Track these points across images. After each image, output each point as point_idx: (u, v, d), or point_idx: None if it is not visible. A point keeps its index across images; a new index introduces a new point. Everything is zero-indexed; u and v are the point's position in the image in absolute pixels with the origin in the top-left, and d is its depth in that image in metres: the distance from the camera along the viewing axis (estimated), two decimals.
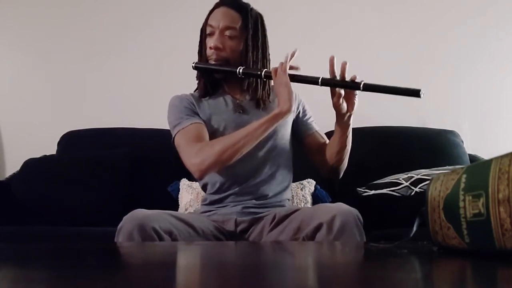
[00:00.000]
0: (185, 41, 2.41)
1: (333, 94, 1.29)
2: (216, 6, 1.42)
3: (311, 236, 1.12)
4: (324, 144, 1.47)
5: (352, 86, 1.26)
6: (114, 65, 2.50)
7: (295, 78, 1.31)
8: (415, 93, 1.19)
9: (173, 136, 1.40)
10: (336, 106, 1.30)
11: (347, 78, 1.25)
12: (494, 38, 2.48)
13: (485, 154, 2.11)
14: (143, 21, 2.53)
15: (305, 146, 1.50)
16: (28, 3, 2.56)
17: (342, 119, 1.33)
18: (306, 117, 1.51)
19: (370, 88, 1.23)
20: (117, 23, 2.53)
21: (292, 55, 1.33)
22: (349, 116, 1.33)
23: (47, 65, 2.52)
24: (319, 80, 1.27)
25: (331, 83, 1.28)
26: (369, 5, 2.51)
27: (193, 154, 1.30)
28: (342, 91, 1.28)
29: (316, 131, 1.51)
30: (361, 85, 1.23)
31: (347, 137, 1.37)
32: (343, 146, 1.38)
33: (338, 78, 1.26)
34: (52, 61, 2.52)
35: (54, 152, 2.19)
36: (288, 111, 1.29)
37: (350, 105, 1.31)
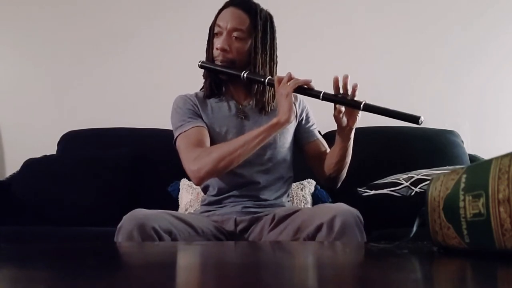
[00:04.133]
0: (185, 41, 2.43)
1: (334, 108, 1.30)
2: (225, 6, 1.42)
3: (312, 237, 1.12)
4: (325, 152, 1.47)
5: (352, 104, 1.25)
6: (114, 65, 2.50)
7: (297, 90, 1.30)
8: (415, 119, 1.18)
9: (174, 137, 1.40)
10: (337, 120, 1.31)
11: (350, 90, 1.24)
12: (494, 38, 2.48)
13: (485, 154, 2.11)
14: (143, 20, 2.53)
15: (305, 153, 1.50)
16: (28, 3, 2.56)
17: (342, 132, 1.33)
18: (309, 124, 1.51)
19: (371, 109, 1.23)
20: (117, 22, 2.53)
21: (308, 82, 1.30)
22: (350, 130, 1.33)
23: (47, 65, 2.52)
24: (321, 95, 1.27)
25: (333, 99, 1.27)
26: (369, 6, 2.51)
27: (191, 161, 1.30)
28: (343, 108, 1.28)
29: (317, 138, 1.50)
30: (362, 105, 1.23)
31: (347, 149, 1.37)
32: (343, 157, 1.38)
33: (340, 93, 1.26)
34: (52, 61, 2.52)
35: (54, 152, 2.19)
36: (286, 122, 1.29)
37: (352, 120, 1.30)
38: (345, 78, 1.24)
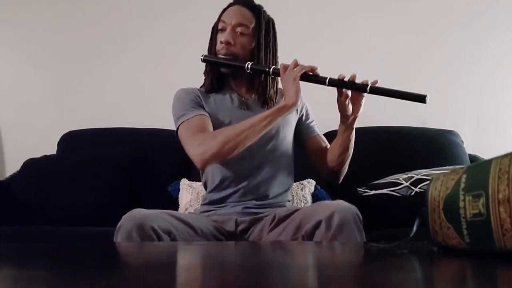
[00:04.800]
0: (185, 41, 2.43)
1: (340, 94, 1.29)
2: (230, 4, 1.43)
3: (310, 234, 1.12)
4: (326, 148, 1.47)
5: (358, 87, 1.26)
6: (114, 65, 2.50)
7: (303, 77, 1.30)
8: (421, 98, 1.18)
9: (176, 127, 1.39)
10: (342, 108, 1.30)
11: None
12: (494, 38, 2.48)
13: (485, 154, 2.11)
14: (143, 21, 2.53)
15: (306, 149, 1.50)
16: (28, 3, 2.56)
17: (346, 121, 1.33)
18: (309, 121, 1.51)
19: (377, 91, 1.23)
20: (117, 22, 2.53)
21: (315, 68, 1.30)
22: (354, 119, 1.33)
23: (47, 65, 2.52)
24: (327, 80, 1.27)
25: (338, 84, 1.27)
26: (369, 6, 2.51)
27: (195, 145, 1.30)
28: (349, 92, 1.28)
29: (318, 134, 1.51)
30: (368, 88, 1.23)
31: (350, 140, 1.37)
32: (345, 149, 1.38)
33: (346, 80, 1.26)
34: (52, 60, 2.52)
35: (54, 152, 2.19)
36: (294, 105, 1.28)
37: (356, 107, 1.30)
38: (353, 75, 1.26)
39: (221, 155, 1.28)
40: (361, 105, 1.30)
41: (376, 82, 1.25)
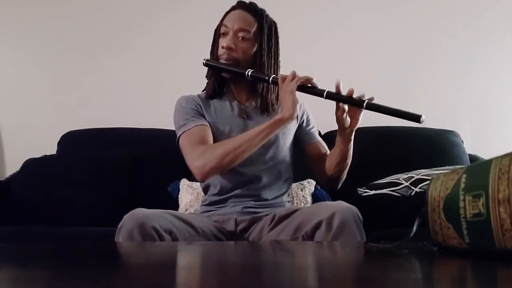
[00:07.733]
0: (186, 41, 2.43)
1: (337, 108, 1.31)
2: (233, 8, 1.44)
3: (311, 234, 1.13)
4: (325, 154, 1.48)
5: (355, 103, 1.27)
6: (114, 65, 2.50)
7: (301, 88, 1.31)
8: (416, 118, 1.20)
9: (177, 136, 1.40)
10: (339, 120, 1.32)
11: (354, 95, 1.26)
12: (494, 39, 2.48)
13: (485, 154, 2.11)
14: (144, 21, 2.53)
15: (306, 155, 1.51)
16: (28, 3, 2.56)
17: (344, 133, 1.34)
18: (310, 127, 1.52)
19: (373, 107, 1.25)
20: (117, 22, 2.53)
21: (310, 79, 1.31)
22: (351, 132, 1.34)
23: (47, 65, 2.52)
24: (324, 93, 1.28)
25: (336, 97, 1.29)
26: (370, 6, 2.51)
27: (195, 157, 1.31)
28: (346, 107, 1.30)
29: (317, 141, 1.52)
30: (365, 104, 1.25)
31: (348, 150, 1.38)
32: (343, 158, 1.39)
33: (343, 93, 1.27)
34: (52, 60, 2.52)
35: (54, 152, 2.19)
36: (290, 117, 1.30)
37: (354, 121, 1.31)
38: (351, 89, 1.27)
39: (220, 167, 1.30)
40: (358, 119, 1.31)
41: (372, 99, 1.26)
